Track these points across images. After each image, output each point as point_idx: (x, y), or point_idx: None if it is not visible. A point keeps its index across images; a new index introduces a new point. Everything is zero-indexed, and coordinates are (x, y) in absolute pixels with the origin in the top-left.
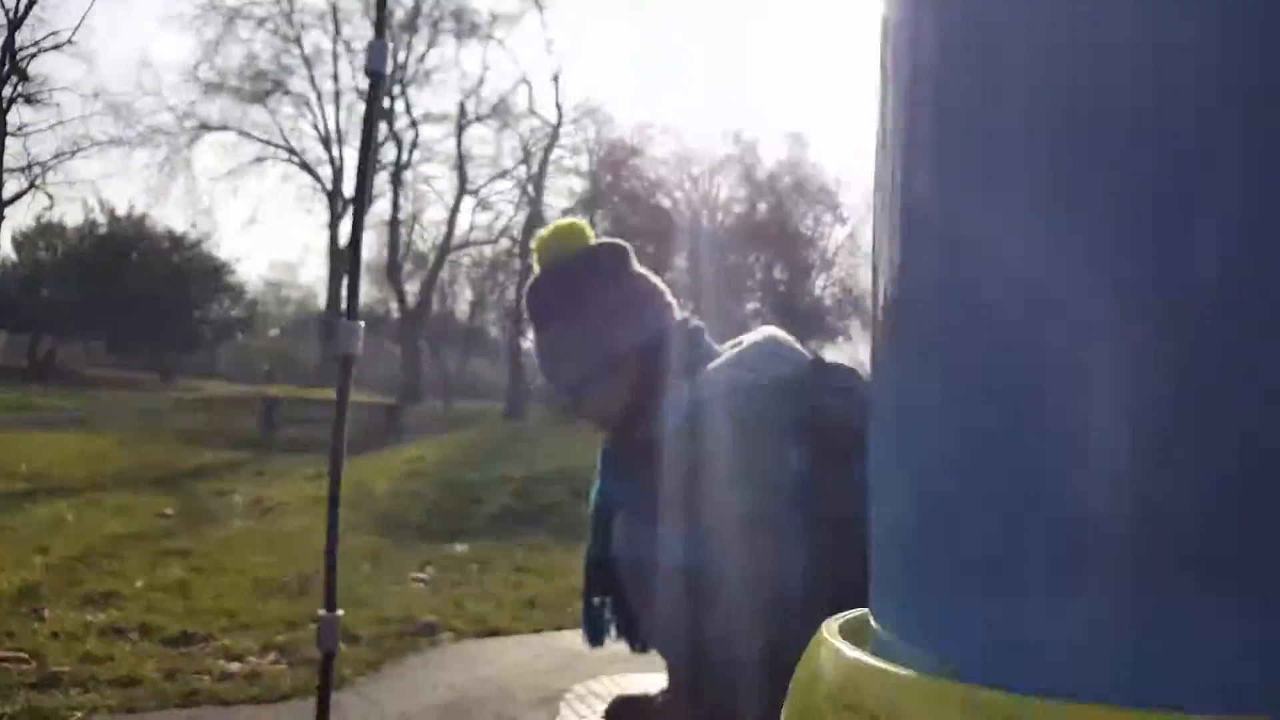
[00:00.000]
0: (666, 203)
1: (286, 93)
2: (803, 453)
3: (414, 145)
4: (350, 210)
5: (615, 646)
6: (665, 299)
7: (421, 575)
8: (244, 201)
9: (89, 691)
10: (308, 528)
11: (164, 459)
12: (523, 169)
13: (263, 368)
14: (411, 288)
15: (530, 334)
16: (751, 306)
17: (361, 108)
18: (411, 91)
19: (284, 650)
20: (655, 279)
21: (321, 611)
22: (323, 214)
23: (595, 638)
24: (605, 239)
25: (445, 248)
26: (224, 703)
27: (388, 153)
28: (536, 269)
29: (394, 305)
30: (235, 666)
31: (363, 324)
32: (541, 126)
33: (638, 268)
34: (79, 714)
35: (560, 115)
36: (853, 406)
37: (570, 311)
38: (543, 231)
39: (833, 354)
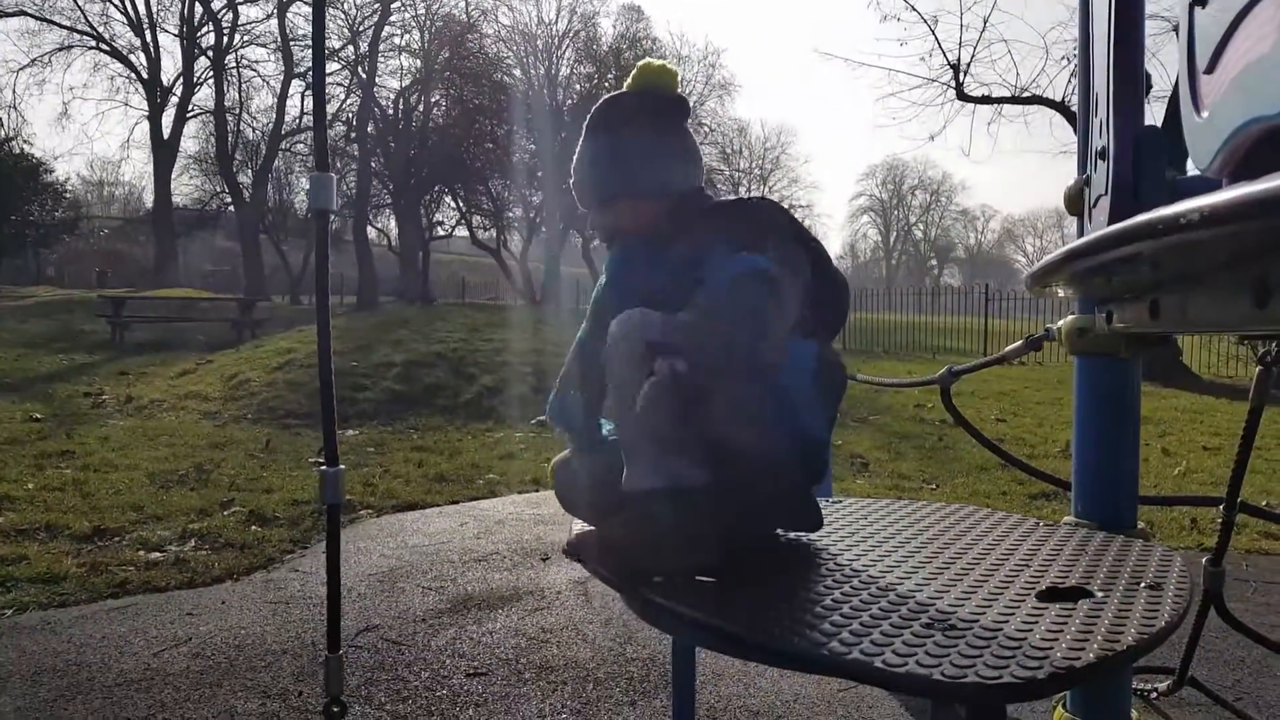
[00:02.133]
0: (507, 81)
1: None
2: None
3: (234, 28)
4: (173, 100)
5: (556, 507)
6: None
7: (319, 459)
8: (53, 96)
9: (10, 591)
10: (186, 422)
11: (12, 366)
12: (350, 50)
13: (95, 270)
14: (244, 179)
15: (589, 139)
16: None
17: None
18: None
19: (203, 537)
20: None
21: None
22: (142, 104)
23: (567, 424)
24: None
25: (276, 136)
26: (157, 589)
27: (207, 38)
28: (637, 86)
29: (227, 199)
30: (157, 556)
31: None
32: (369, 3)
33: None
34: (8, 612)
35: None
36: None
37: (656, 132)
38: (649, 62)
39: None
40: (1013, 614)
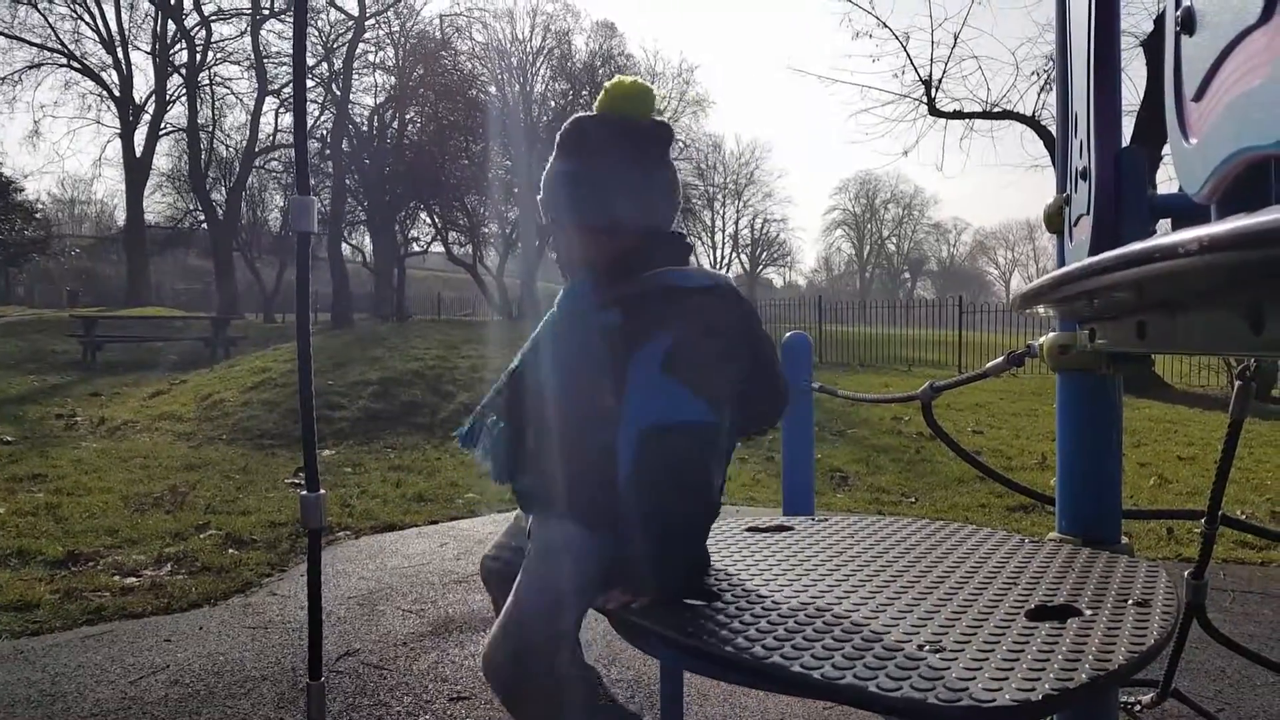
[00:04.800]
0: (482, 98)
1: None
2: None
3: (207, 45)
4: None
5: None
6: (676, 199)
7: (296, 480)
8: (23, 114)
9: None
10: (160, 444)
11: None
12: (325, 66)
13: (66, 289)
14: (218, 197)
15: (554, 158)
16: None
17: (145, 5)
18: None
19: (179, 561)
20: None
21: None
22: (114, 122)
23: (487, 451)
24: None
25: (250, 153)
26: (134, 615)
27: (180, 55)
28: (605, 108)
29: (201, 216)
30: (133, 581)
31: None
32: (343, 20)
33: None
34: None
35: (363, 7)
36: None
37: (623, 163)
38: (627, 80)
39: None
40: (1003, 634)
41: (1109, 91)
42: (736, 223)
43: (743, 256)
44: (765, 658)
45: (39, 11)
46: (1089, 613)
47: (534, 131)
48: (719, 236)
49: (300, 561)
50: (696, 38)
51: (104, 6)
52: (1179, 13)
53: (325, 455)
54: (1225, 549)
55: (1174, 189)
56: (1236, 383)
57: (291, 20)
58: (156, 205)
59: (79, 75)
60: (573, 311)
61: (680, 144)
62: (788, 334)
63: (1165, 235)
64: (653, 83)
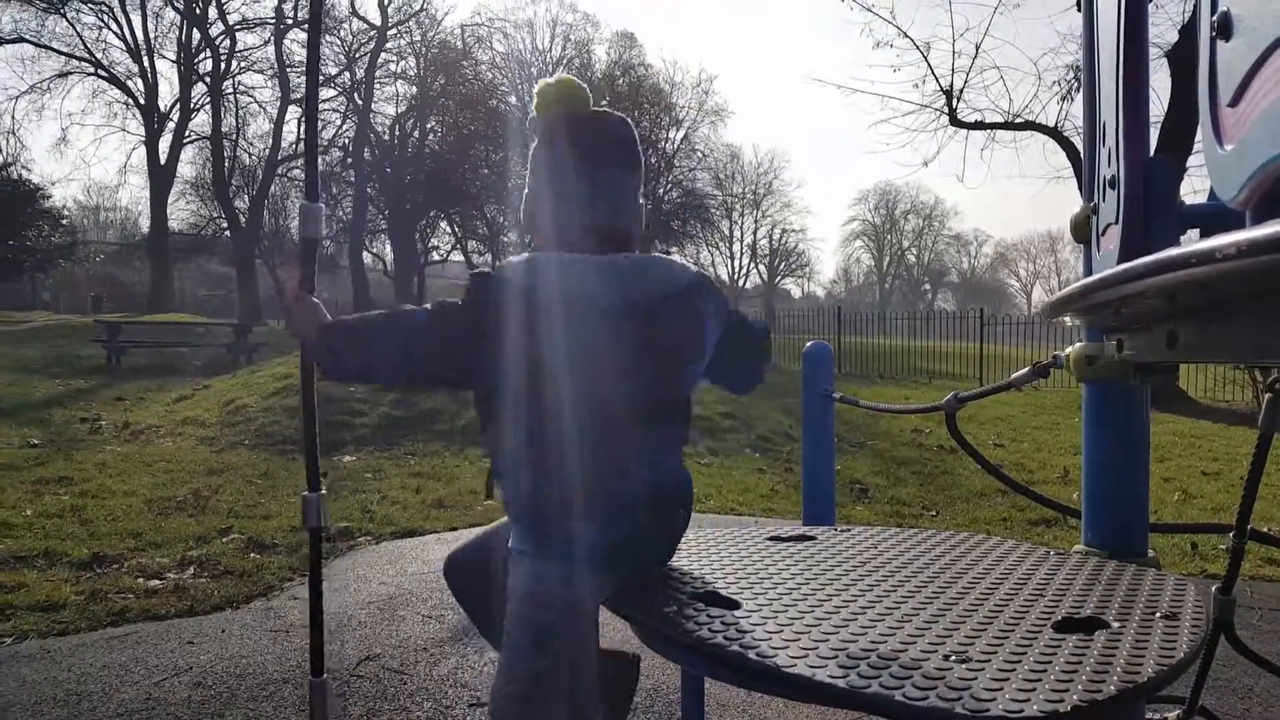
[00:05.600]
0: (502, 108)
1: (86, 0)
2: None
3: (231, 54)
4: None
5: None
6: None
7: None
8: (51, 122)
9: (9, 619)
10: (183, 449)
11: (8, 390)
12: (347, 76)
13: (91, 295)
14: (241, 205)
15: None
16: None
17: (170, 14)
18: None
19: (202, 564)
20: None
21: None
22: (139, 130)
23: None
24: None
25: (273, 161)
26: (157, 617)
27: (205, 64)
28: (553, 107)
29: (223, 224)
30: (157, 584)
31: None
32: (365, 30)
33: None
34: (7, 640)
35: (385, 17)
36: None
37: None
38: (571, 82)
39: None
40: (1030, 645)
41: (1138, 99)
42: (754, 233)
43: (760, 267)
44: (789, 666)
45: (67, 20)
46: (1116, 625)
47: None
48: (737, 246)
49: (323, 566)
50: (716, 47)
51: (131, 16)
52: (1215, 18)
53: (347, 461)
54: (1252, 565)
55: (1201, 200)
56: (1266, 395)
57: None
58: (180, 212)
59: (106, 84)
60: None
61: (699, 153)
62: (808, 343)
63: (1201, 241)
64: (672, 93)
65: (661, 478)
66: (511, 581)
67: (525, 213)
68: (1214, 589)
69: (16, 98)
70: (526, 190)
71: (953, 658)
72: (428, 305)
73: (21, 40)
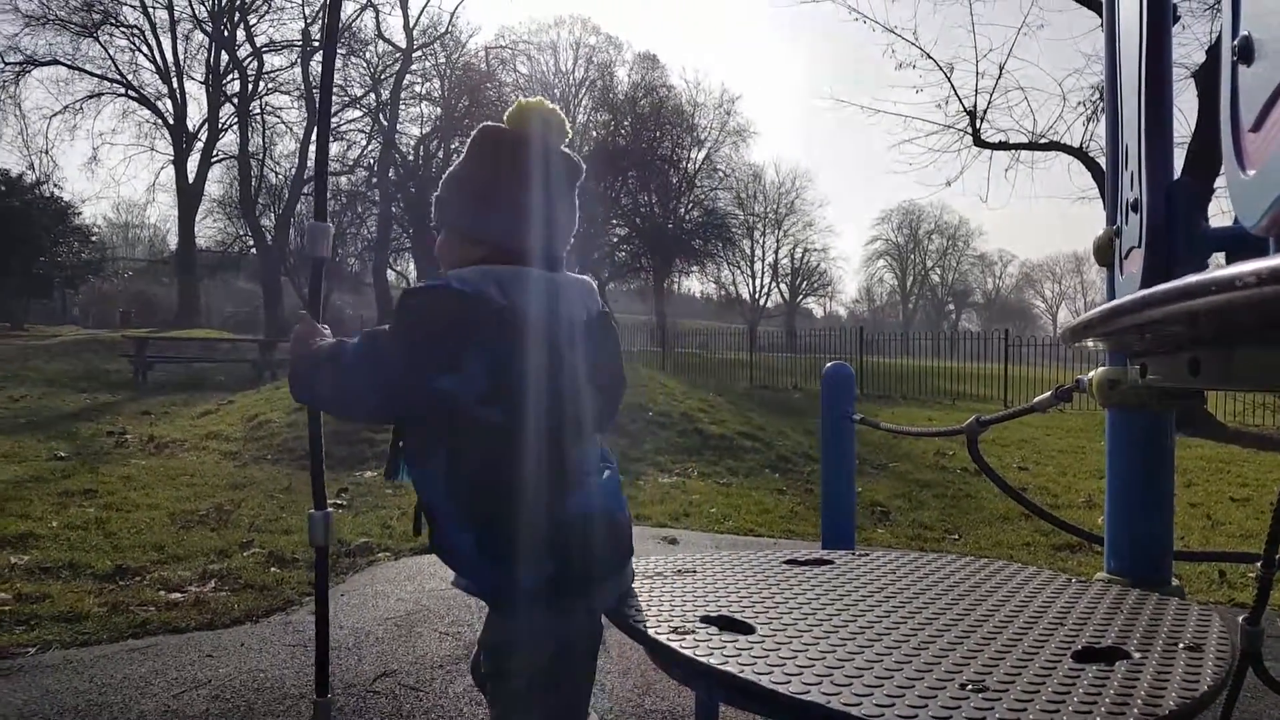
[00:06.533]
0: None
1: (118, 24)
2: None
3: (259, 75)
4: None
5: None
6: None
7: (339, 501)
8: (83, 141)
9: (33, 629)
10: (207, 463)
11: (37, 404)
12: (372, 97)
13: (119, 311)
14: (267, 223)
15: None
16: (622, 231)
17: (200, 37)
18: (252, 20)
19: (223, 578)
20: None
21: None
22: (168, 149)
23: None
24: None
25: (299, 180)
26: (178, 630)
27: (233, 85)
28: (526, 126)
29: (250, 242)
30: (178, 596)
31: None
32: (391, 52)
33: None
34: (31, 650)
35: (410, 39)
36: None
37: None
38: (546, 106)
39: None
40: (1049, 675)
41: (1160, 124)
42: (776, 252)
43: (782, 286)
44: (803, 693)
45: (100, 44)
46: (1138, 655)
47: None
48: (758, 265)
49: (341, 581)
50: (738, 67)
51: (161, 39)
52: (1236, 42)
53: (367, 476)
54: None
55: (1227, 223)
56: None
57: (341, 51)
58: (207, 230)
59: (136, 104)
60: None
61: (720, 173)
62: (829, 364)
63: (1222, 268)
64: (694, 113)
65: (602, 495)
66: (483, 634)
67: (468, 210)
68: (1241, 619)
69: (50, 118)
70: (476, 185)
71: (969, 686)
72: (355, 339)
73: (56, 63)
